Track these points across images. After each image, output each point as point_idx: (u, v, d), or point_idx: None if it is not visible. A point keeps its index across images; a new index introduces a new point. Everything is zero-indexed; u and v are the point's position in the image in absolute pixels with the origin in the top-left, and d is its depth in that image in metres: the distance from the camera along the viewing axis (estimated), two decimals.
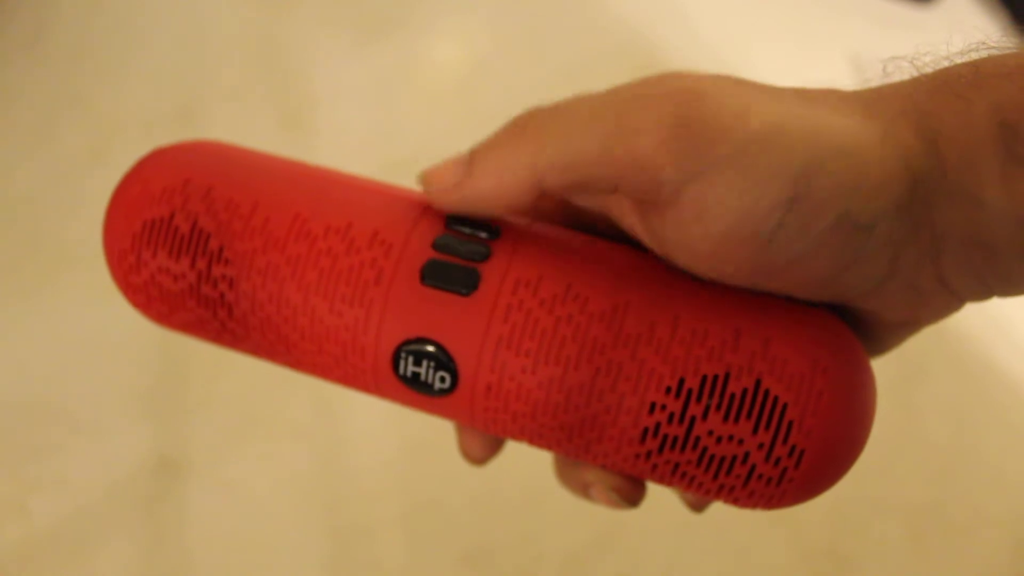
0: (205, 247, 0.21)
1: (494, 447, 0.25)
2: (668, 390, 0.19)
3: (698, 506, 0.24)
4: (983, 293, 0.19)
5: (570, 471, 0.23)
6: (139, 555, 0.53)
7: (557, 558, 0.56)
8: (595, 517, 0.56)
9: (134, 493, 0.56)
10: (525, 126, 0.19)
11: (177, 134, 0.80)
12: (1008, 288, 0.18)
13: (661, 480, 0.20)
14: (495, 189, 0.19)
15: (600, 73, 0.89)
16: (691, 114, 0.17)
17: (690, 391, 0.19)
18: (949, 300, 0.19)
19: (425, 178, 0.20)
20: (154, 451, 0.58)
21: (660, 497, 0.27)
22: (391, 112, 0.81)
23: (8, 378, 0.61)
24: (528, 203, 0.20)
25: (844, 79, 0.87)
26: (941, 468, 0.63)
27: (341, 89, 0.82)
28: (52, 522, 0.54)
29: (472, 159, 0.20)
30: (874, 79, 0.19)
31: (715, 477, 0.19)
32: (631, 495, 0.22)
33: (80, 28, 0.85)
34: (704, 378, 0.18)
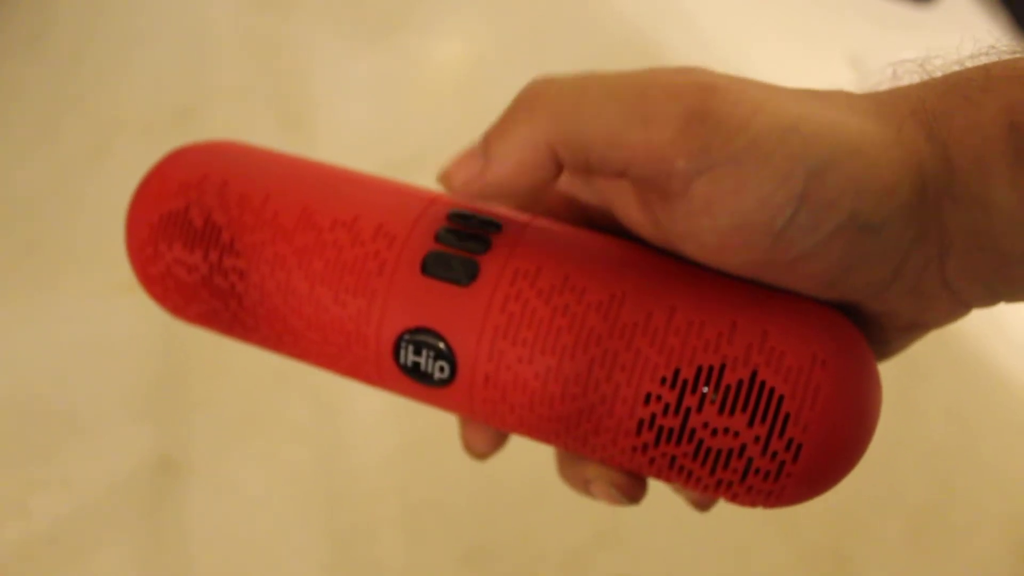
0: (217, 239, 0.22)
1: (497, 441, 0.25)
2: (663, 380, 0.19)
3: (702, 505, 0.23)
4: (989, 298, 0.19)
5: (571, 467, 0.23)
6: (139, 555, 0.53)
7: (557, 557, 0.56)
8: (595, 516, 0.56)
9: (134, 493, 0.56)
10: (535, 100, 0.19)
11: (177, 134, 0.80)
12: (1014, 293, 0.18)
13: (659, 475, 0.20)
14: (516, 172, 0.19)
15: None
16: (707, 107, 0.17)
17: (685, 382, 0.18)
18: (955, 305, 0.19)
19: (444, 176, 0.20)
20: (154, 451, 0.58)
21: (660, 495, 0.26)
22: (392, 112, 0.81)
23: (8, 378, 0.61)
24: (551, 179, 0.19)
25: (844, 79, 0.87)
26: (941, 468, 0.63)
27: (341, 89, 0.82)
28: (52, 522, 0.54)
29: (487, 145, 0.19)
30: (884, 82, 0.19)
31: (712, 471, 0.19)
32: (631, 492, 0.22)
33: (80, 28, 0.85)
34: (699, 369, 0.18)
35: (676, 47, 0.89)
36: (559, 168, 0.19)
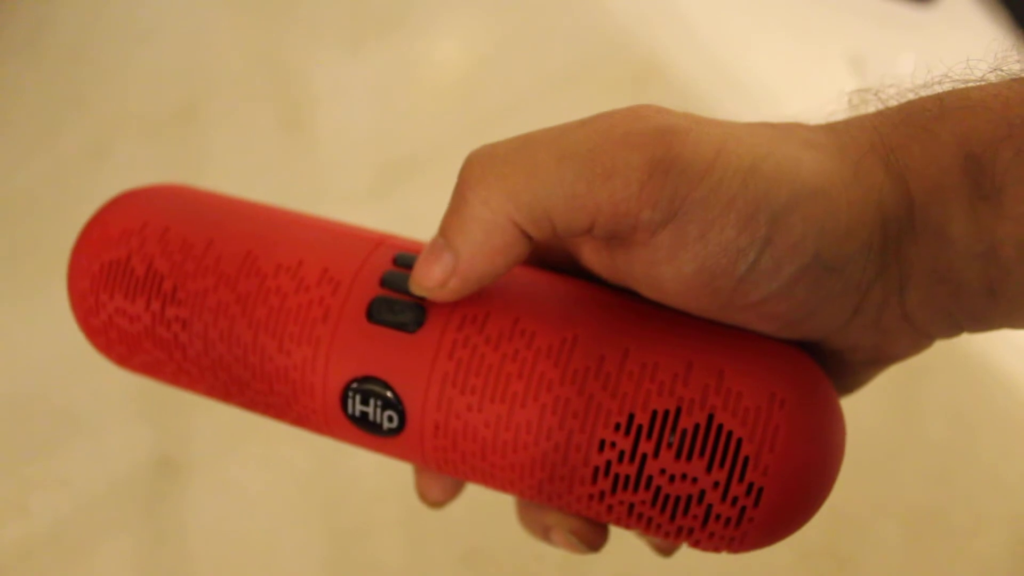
0: (159, 288, 0.21)
1: (453, 489, 0.24)
2: (617, 427, 0.18)
3: (665, 550, 0.23)
4: (951, 329, 0.18)
5: (531, 514, 0.23)
6: (139, 555, 0.53)
7: (557, 558, 0.56)
8: None
9: (134, 493, 0.56)
10: (483, 177, 0.17)
11: (178, 134, 0.80)
12: (976, 324, 0.18)
13: (619, 522, 0.20)
14: (489, 259, 0.18)
15: (600, 72, 0.89)
16: (671, 154, 0.16)
17: (640, 427, 0.18)
18: (916, 338, 0.19)
19: (415, 282, 0.19)
20: (154, 451, 0.58)
21: None
22: (391, 112, 0.81)
23: (8, 377, 0.61)
24: (527, 252, 0.18)
25: (844, 79, 0.87)
26: (941, 469, 0.63)
27: (341, 89, 0.82)
28: (52, 522, 0.54)
29: (448, 239, 0.18)
30: (840, 112, 0.19)
31: (672, 518, 0.19)
32: (591, 539, 0.22)
33: (80, 28, 0.85)
34: (654, 413, 0.18)
35: (674, 48, 0.89)
36: (531, 240, 0.18)
